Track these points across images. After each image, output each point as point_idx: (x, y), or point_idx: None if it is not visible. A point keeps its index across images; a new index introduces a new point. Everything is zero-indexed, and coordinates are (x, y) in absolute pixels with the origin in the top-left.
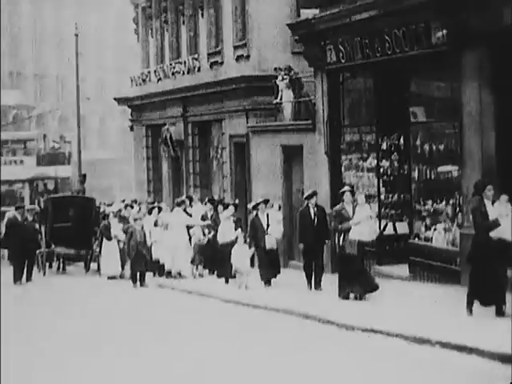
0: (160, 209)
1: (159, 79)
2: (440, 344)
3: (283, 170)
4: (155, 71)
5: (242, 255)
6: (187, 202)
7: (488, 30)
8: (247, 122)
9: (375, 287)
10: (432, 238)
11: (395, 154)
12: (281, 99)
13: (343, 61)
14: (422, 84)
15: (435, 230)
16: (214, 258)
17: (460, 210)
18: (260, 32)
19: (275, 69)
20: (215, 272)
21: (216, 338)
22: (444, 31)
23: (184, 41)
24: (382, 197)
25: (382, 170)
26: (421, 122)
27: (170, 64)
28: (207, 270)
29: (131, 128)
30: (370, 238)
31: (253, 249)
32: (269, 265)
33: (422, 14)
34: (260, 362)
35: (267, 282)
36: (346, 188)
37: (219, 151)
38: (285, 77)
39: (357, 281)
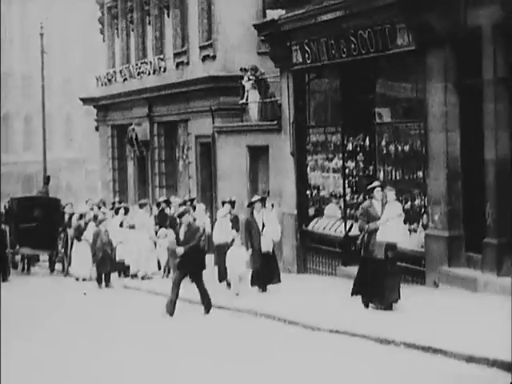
0: (126, 209)
1: (125, 79)
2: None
3: (249, 171)
4: (121, 71)
5: (238, 259)
6: (164, 205)
7: (453, 31)
8: (213, 123)
9: (397, 298)
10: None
11: (361, 154)
12: (247, 100)
13: (309, 61)
14: (388, 85)
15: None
16: None
17: (425, 211)
18: (226, 32)
19: (241, 69)
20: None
21: (175, 339)
22: (409, 32)
23: (150, 41)
24: (348, 197)
25: (347, 170)
26: (386, 123)
27: (136, 64)
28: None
29: (97, 128)
30: (400, 240)
31: (250, 251)
32: (264, 269)
33: (388, 16)
34: (224, 363)
35: (262, 288)
36: (376, 183)
37: (185, 151)
38: (251, 77)
39: (380, 289)
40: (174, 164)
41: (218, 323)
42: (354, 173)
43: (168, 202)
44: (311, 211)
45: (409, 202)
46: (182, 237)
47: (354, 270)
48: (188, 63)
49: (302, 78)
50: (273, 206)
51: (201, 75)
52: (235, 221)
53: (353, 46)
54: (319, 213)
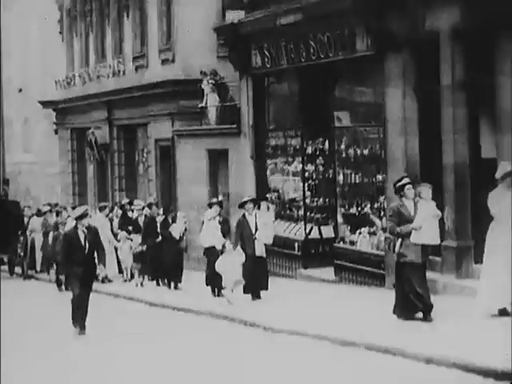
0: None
1: (84, 82)
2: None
3: (209, 174)
4: (80, 74)
5: (232, 264)
6: (127, 207)
7: (411, 35)
8: (173, 126)
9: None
10: (357, 241)
11: (320, 158)
12: (206, 103)
13: (268, 65)
14: (347, 89)
15: (360, 233)
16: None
17: (384, 213)
18: (185, 36)
19: (201, 72)
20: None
21: (134, 341)
22: (368, 37)
23: (109, 44)
24: (308, 201)
25: (307, 173)
26: (345, 127)
27: (95, 67)
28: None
29: (56, 131)
30: (436, 242)
31: (243, 256)
32: (257, 275)
33: (347, 20)
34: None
35: (255, 296)
36: (406, 180)
37: (144, 155)
38: (210, 81)
39: (420, 296)
40: (134, 167)
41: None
42: (314, 176)
43: (131, 204)
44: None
45: (368, 206)
46: (82, 241)
47: (313, 272)
48: (147, 66)
49: (261, 82)
50: (268, 207)
51: (160, 79)
52: (225, 223)
53: (312, 49)
54: (279, 216)
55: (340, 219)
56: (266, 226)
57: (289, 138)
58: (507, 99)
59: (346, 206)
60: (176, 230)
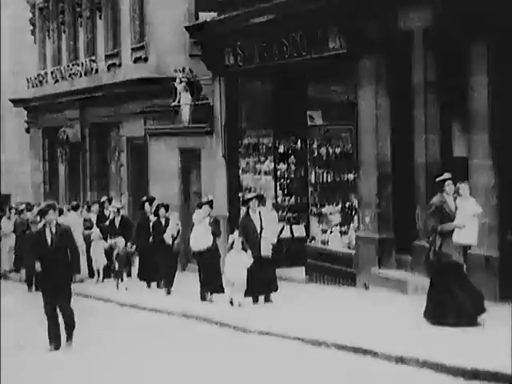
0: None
1: (56, 81)
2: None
3: (181, 173)
4: (52, 73)
5: (238, 265)
6: (106, 204)
7: (384, 35)
8: (145, 125)
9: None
10: (328, 240)
11: (292, 157)
12: (179, 102)
13: (241, 64)
14: (320, 88)
15: (331, 232)
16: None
17: (356, 213)
18: (158, 34)
19: (175, 70)
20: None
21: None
22: (341, 36)
23: (81, 42)
24: (279, 200)
25: (279, 172)
26: (318, 126)
27: (68, 66)
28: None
29: (27, 130)
30: (475, 243)
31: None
32: (265, 277)
33: (320, 19)
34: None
35: (266, 299)
36: (447, 175)
37: (117, 154)
38: (183, 79)
39: (464, 299)
40: (106, 166)
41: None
42: (286, 175)
43: (110, 202)
44: (243, 213)
45: (340, 205)
46: (49, 241)
47: (284, 272)
48: (120, 65)
49: (234, 81)
50: (274, 205)
51: (133, 77)
52: (215, 224)
53: (285, 49)
54: None
55: (312, 218)
56: (271, 225)
57: (261, 137)
58: (478, 99)
59: (318, 205)
60: (168, 234)
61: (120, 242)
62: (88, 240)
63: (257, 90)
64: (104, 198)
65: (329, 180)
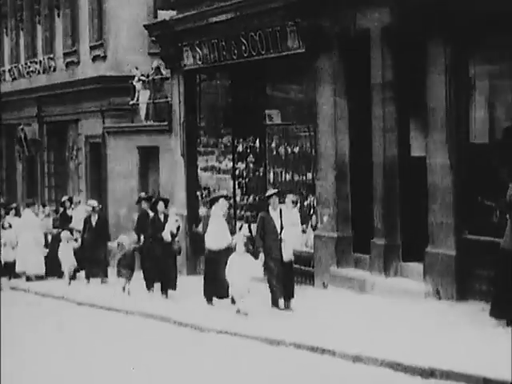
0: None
1: (14, 78)
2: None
3: (139, 171)
4: (10, 70)
5: (243, 268)
6: (67, 204)
7: (342, 34)
8: (103, 123)
9: None
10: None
11: (251, 156)
12: (137, 100)
13: (200, 63)
14: (278, 87)
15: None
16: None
17: (314, 212)
18: (117, 32)
19: (136, 68)
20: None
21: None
22: (299, 35)
23: (40, 40)
24: (238, 198)
25: (237, 171)
26: (276, 125)
27: (26, 63)
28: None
29: None
30: None
31: (261, 259)
32: (282, 282)
33: (279, 18)
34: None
35: (286, 306)
36: None
37: (75, 152)
38: (141, 78)
39: None
40: (64, 164)
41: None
42: (244, 174)
43: (71, 201)
44: (202, 212)
45: (298, 204)
46: None
47: None
48: (78, 63)
49: (193, 79)
50: (294, 202)
51: (91, 75)
52: (230, 221)
53: (244, 47)
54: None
55: None
56: (292, 225)
57: (220, 136)
58: (435, 98)
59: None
60: (166, 231)
61: (125, 239)
62: (57, 240)
63: (215, 89)
64: (65, 198)
65: (287, 179)
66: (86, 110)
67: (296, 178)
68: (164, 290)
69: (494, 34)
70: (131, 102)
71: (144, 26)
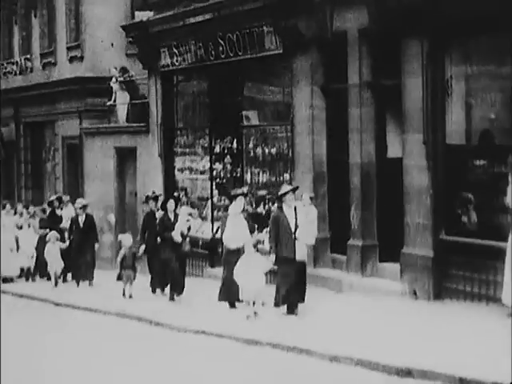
0: None
1: None
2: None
3: (116, 172)
4: None
5: (253, 269)
6: (56, 204)
7: (319, 35)
8: (80, 124)
9: None
10: (264, 240)
11: (228, 156)
12: (115, 101)
13: (177, 64)
14: (256, 88)
15: (267, 232)
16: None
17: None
18: (94, 33)
19: (115, 68)
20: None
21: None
22: (277, 36)
23: (16, 41)
24: (215, 199)
25: (214, 172)
26: (254, 126)
27: (2, 64)
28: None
29: None
30: None
31: (272, 259)
32: (295, 284)
33: (256, 19)
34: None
35: (291, 310)
36: None
37: (52, 152)
38: (119, 78)
39: None
40: (41, 165)
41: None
42: (222, 175)
43: (60, 201)
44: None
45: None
46: None
47: (220, 271)
48: (55, 64)
49: (170, 80)
50: (312, 198)
51: (68, 76)
52: (250, 219)
53: (221, 48)
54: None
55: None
56: (308, 223)
57: (197, 137)
58: (412, 100)
59: (253, 205)
60: (177, 231)
61: (126, 239)
62: (43, 240)
63: (193, 90)
64: (53, 197)
65: (265, 180)
66: (63, 111)
67: (273, 178)
68: (171, 294)
69: (471, 35)
70: (108, 103)
71: (121, 26)
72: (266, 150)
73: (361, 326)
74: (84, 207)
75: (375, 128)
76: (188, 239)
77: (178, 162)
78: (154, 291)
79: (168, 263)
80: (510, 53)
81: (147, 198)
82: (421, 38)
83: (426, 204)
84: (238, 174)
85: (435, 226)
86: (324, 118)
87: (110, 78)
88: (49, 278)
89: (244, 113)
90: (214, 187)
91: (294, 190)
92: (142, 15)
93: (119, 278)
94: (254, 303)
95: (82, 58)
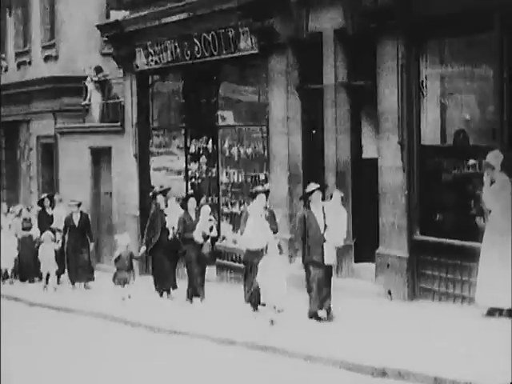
0: None
1: None
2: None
3: (92, 172)
4: None
5: (275, 272)
6: (47, 203)
7: (294, 35)
8: (55, 123)
9: None
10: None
11: (203, 156)
12: (89, 100)
13: (153, 63)
14: (231, 88)
15: (242, 233)
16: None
17: None
18: (69, 32)
19: (91, 68)
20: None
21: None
22: (252, 36)
23: None
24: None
25: (190, 172)
26: (229, 126)
27: None
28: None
29: None
30: None
31: (296, 263)
32: (323, 288)
33: (232, 19)
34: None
35: (316, 315)
36: None
37: (27, 152)
38: (93, 78)
39: None
40: (16, 165)
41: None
42: (197, 175)
43: (52, 199)
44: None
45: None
46: None
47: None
48: (30, 63)
49: (145, 80)
50: (342, 198)
51: (43, 75)
52: (272, 218)
53: (196, 48)
54: None
55: (223, 218)
56: (338, 224)
57: (172, 137)
58: (388, 100)
59: (229, 205)
60: (198, 231)
61: (124, 239)
62: (27, 241)
63: (168, 89)
64: (44, 195)
65: (240, 180)
66: (38, 111)
67: (248, 179)
68: (189, 296)
69: (446, 36)
70: (83, 103)
71: (96, 26)
72: (242, 150)
73: (335, 327)
74: (79, 205)
75: (350, 128)
76: (209, 240)
77: (154, 162)
78: (161, 295)
79: (188, 265)
80: (484, 54)
81: (154, 194)
82: (396, 38)
83: (401, 204)
84: (214, 174)
85: (410, 226)
86: (299, 118)
87: (85, 78)
88: (31, 281)
89: (219, 113)
90: (189, 187)
91: (321, 189)
92: (118, 15)
93: (114, 279)
94: (274, 307)
95: (56, 58)
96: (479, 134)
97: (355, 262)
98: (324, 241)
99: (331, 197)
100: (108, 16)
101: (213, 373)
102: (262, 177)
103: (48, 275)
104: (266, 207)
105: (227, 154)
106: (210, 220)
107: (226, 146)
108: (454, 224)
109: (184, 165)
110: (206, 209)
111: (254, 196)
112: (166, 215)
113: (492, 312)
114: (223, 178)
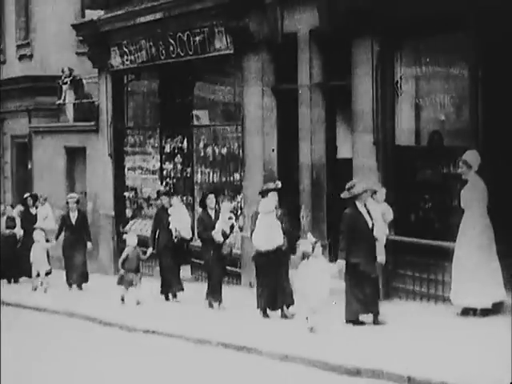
0: None
1: None
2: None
3: (66, 172)
4: None
5: (322, 276)
6: (30, 202)
7: (270, 35)
8: (30, 123)
9: None
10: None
11: (178, 156)
12: (64, 100)
13: (128, 63)
14: (206, 88)
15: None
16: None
17: (241, 212)
18: (44, 31)
19: (69, 68)
20: None
21: None
22: (227, 36)
23: None
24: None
25: (165, 172)
26: (204, 125)
27: None
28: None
29: None
30: None
31: (339, 265)
32: (368, 292)
33: (207, 19)
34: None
35: (357, 320)
36: None
37: (1, 152)
38: (67, 78)
39: None
40: None
41: None
42: (172, 174)
43: (35, 198)
44: (129, 213)
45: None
46: None
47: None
48: (4, 62)
49: (120, 79)
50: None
51: (17, 74)
52: (285, 217)
53: (172, 48)
54: (137, 214)
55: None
56: (382, 223)
57: (147, 136)
58: (362, 100)
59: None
60: (217, 230)
61: (131, 238)
62: (11, 240)
63: (143, 89)
64: (27, 194)
65: (215, 180)
66: (12, 110)
67: (223, 178)
68: (209, 302)
69: (421, 36)
70: (58, 102)
71: (71, 25)
72: (217, 150)
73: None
74: (78, 202)
75: (325, 128)
76: (229, 240)
77: (128, 162)
78: (167, 298)
79: (207, 267)
80: (459, 54)
81: (159, 193)
82: (371, 38)
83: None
84: (189, 174)
85: None
86: (274, 118)
87: (60, 77)
88: (9, 281)
89: (194, 112)
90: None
91: (371, 190)
92: (93, 14)
93: (120, 281)
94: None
95: (31, 57)
96: (453, 135)
97: (330, 261)
98: (376, 240)
99: (375, 193)
100: (83, 15)
101: None
102: (237, 176)
103: (38, 275)
104: (277, 206)
105: (202, 153)
106: (230, 218)
107: (201, 145)
108: (428, 224)
109: (159, 164)
110: (226, 205)
111: (264, 194)
112: (169, 215)
113: (466, 311)
114: (198, 178)
